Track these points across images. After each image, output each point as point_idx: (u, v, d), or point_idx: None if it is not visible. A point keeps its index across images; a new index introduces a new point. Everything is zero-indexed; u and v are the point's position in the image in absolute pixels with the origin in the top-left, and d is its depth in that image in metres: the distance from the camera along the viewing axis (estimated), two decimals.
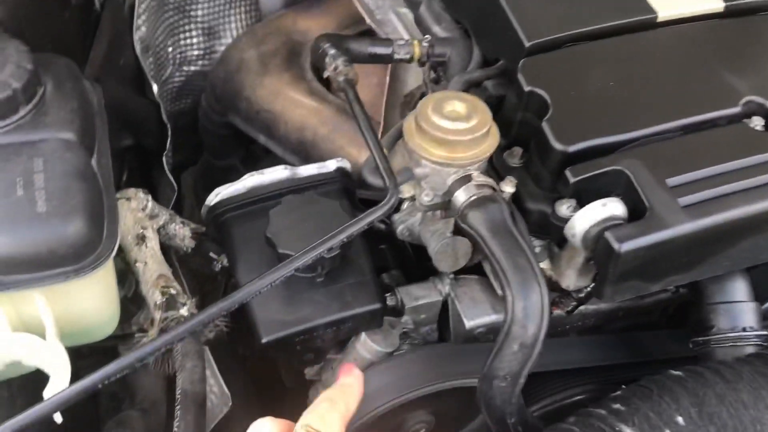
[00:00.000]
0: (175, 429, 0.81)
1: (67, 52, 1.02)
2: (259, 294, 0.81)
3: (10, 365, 0.84)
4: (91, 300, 0.88)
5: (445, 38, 1.08)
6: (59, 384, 0.79)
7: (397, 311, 1.06)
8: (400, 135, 0.95)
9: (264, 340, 0.94)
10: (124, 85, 1.29)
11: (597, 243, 0.84)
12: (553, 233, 0.91)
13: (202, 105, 1.54)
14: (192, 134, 1.63)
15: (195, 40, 1.60)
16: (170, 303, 0.95)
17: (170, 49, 1.56)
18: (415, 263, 1.16)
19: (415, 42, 1.07)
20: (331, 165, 1.09)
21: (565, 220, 0.88)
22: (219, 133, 1.53)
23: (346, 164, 1.11)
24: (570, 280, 0.92)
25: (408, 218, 1.06)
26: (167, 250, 1.22)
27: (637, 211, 0.85)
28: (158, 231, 1.15)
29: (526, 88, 0.93)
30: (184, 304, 0.95)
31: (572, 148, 0.88)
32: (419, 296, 1.05)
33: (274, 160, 1.37)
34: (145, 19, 1.41)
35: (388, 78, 1.21)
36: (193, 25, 1.57)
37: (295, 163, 1.30)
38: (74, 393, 0.76)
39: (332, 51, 1.01)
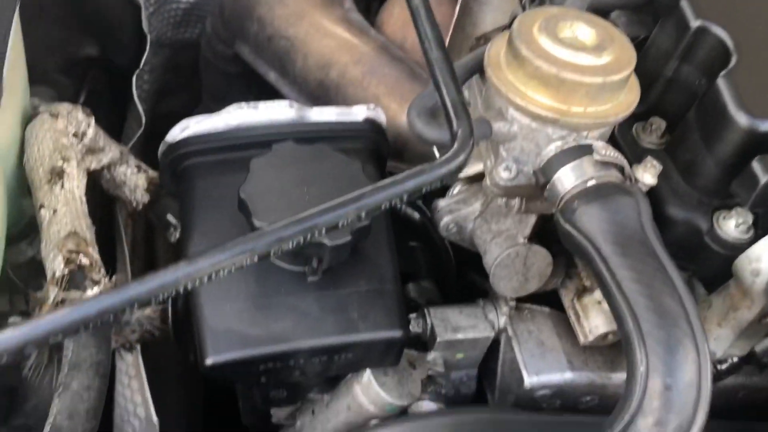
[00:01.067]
0: None
1: None
2: (205, 281, 0.45)
3: None
4: None
5: None
6: None
7: (423, 344, 0.70)
8: (474, 71, 0.60)
9: (209, 362, 0.59)
10: None
11: None
12: (704, 263, 0.56)
13: (207, 31, 1.19)
14: (195, 75, 1.29)
15: None
16: (75, 278, 0.59)
17: None
18: (457, 274, 0.81)
19: None
20: (358, 112, 0.74)
21: (736, 247, 0.52)
22: (223, 69, 1.18)
23: (381, 116, 0.76)
24: (720, 344, 0.57)
25: (460, 208, 0.72)
26: (111, 201, 0.88)
27: None
28: (102, 173, 0.81)
29: (694, 23, 0.56)
30: (96, 284, 0.60)
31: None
32: (460, 326, 0.71)
33: None
34: None
35: (457, 10, 0.85)
36: None
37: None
38: None
39: None
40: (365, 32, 0.97)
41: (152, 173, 0.83)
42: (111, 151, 0.79)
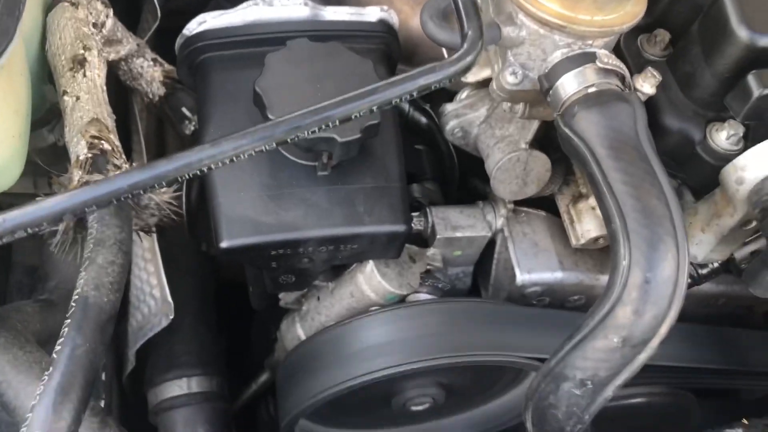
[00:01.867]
0: (54, 355, 0.51)
1: None
2: (221, 165, 0.48)
3: None
4: None
5: None
6: None
7: (424, 240, 0.74)
8: None
9: (223, 245, 0.63)
10: None
11: None
12: (694, 171, 0.59)
13: None
14: None
15: None
16: (97, 162, 0.63)
17: None
18: (459, 179, 0.84)
19: None
20: (372, 13, 0.75)
21: (725, 157, 0.55)
22: None
23: (393, 18, 0.77)
24: (702, 248, 0.60)
25: (466, 112, 0.75)
26: (128, 93, 0.90)
27: None
28: (119, 64, 0.83)
29: None
30: (117, 168, 0.63)
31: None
32: (459, 225, 0.75)
33: None
34: None
35: None
36: None
37: None
38: None
39: None
40: None
41: (168, 66, 0.85)
42: (128, 43, 0.81)
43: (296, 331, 0.77)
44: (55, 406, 0.48)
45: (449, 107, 0.76)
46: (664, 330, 0.49)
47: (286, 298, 0.78)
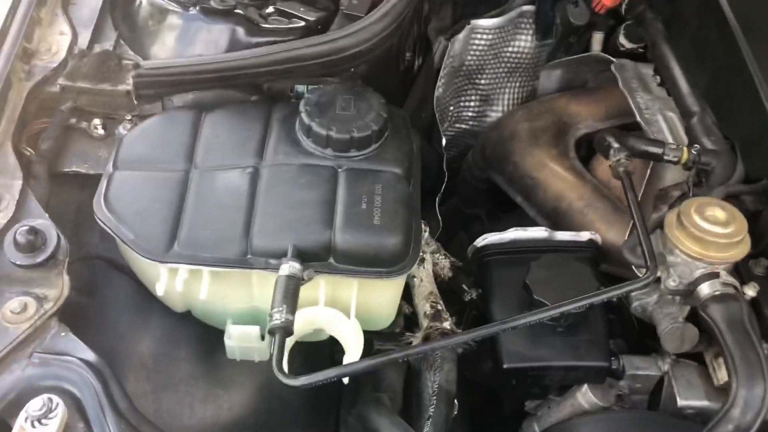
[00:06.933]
0: (431, 413, 1.02)
1: (390, 102, 1.30)
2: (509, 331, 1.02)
3: (315, 331, 1.10)
4: (384, 297, 1.13)
5: (713, 150, 1.22)
6: (354, 354, 1.03)
7: (617, 375, 1.20)
8: (655, 226, 1.12)
9: (505, 366, 1.14)
10: (421, 135, 1.56)
11: None
12: None
13: (468, 159, 1.76)
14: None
15: (472, 104, 1.84)
16: (436, 316, 1.17)
17: (452, 107, 1.81)
18: (638, 338, 1.30)
19: (685, 148, 1.22)
20: (584, 235, 1.27)
21: None
22: (476, 186, 1.74)
23: (598, 238, 1.28)
24: None
25: (645, 297, 1.21)
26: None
27: None
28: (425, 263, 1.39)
29: None
30: (447, 319, 1.17)
31: None
32: (640, 367, 1.19)
33: (513, 220, 1.55)
34: (444, 81, 1.67)
35: (648, 171, 1.36)
36: (473, 91, 1.81)
37: (542, 226, 1.49)
38: (362, 367, 0.99)
39: (616, 145, 1.20)
40: (584, 176, 1.49)
41: (453, 259, 1.39)
42: (432, 244, 1.38)
43: (534, 429, 1.24)
44: None
45: (634, 293, 1.24)
46: (757, 424, 0.92)
47: (529, 405, 1.26)
